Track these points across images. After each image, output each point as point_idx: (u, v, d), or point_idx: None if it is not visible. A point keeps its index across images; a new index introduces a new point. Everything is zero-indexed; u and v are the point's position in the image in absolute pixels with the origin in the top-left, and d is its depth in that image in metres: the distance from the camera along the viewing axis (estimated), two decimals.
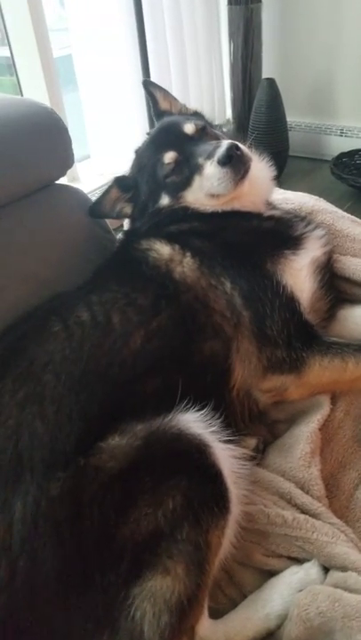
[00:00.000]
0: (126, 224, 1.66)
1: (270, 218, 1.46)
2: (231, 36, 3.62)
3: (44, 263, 1.44)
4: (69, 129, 1.57)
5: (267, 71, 3.75)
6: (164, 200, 1.48)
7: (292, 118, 3.80)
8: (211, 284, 1.28)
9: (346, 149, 3.61)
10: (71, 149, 1.55)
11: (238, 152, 1.36)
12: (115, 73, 3.05)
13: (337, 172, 3.41)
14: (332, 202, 1.74)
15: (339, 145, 3.74)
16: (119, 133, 3.10)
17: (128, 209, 1.57)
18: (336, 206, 1.72)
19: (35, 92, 2.83)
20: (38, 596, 0.92)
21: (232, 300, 1.26)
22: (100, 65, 3.04)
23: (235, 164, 1.35)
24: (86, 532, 0.95)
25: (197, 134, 1.50)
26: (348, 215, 1.68)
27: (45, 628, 0.91)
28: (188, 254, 1.32)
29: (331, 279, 1.46)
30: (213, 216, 1.43)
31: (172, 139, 1.50)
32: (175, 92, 3.28)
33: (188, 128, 1.50)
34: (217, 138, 1.51)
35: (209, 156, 1.39)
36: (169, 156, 1.45)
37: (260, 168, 1.53)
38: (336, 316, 1.48)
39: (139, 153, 1.60)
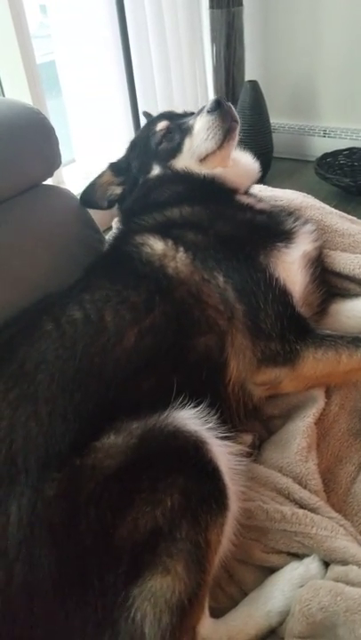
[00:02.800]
0: (114, 226, 1.66)
1: (262, 212, 1.47)
2: (213, 39, 3.63)
3: (31, 264, 1.42)
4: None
5: (249, 73, 3.76)
6: (155, 170, 1.52)
7: (275, 120, 3.82)
8: (204, 279, 1.27)
9: (329, 150, 3.64)
10: (58, 149, 1.54)
11: (227, 103, 1.44)
12: (98, 78, 3.05)
13: (321, 172, 3.43)
14: None
15: (322, 145, 3.77)
16: (104, 136, 3.10)
17: (118, 190, 1.60)
18: (325, 204, 1.73)
19: (18, 98, 2.80)
20: (36, 599, 0.90)
21: (225, 293, 1.26)
22: (84, 70, 3.03)
23: (223, 111, 1.43)
24: (83, 533, 0.93)
25: (187, 113, 1.59)
26: (336, 211, 1.69)
27: (44, 632, 0.89)
28: (182, 249, 1.31)
29: (322, 274, 1.47)
30: (205, 197, 1.45)
31: (166, 115, 1.59)
32: (159, 96, 3.31)
33: (179, 111, 1.61)
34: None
35: (199, 113, 1.48)
36: (161, 124, 1.53)
37: (244, 154, 1.61)
38: (328, 311, 1.48)
39: (133, 139, 1.65)
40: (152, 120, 1.64)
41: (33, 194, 1.52)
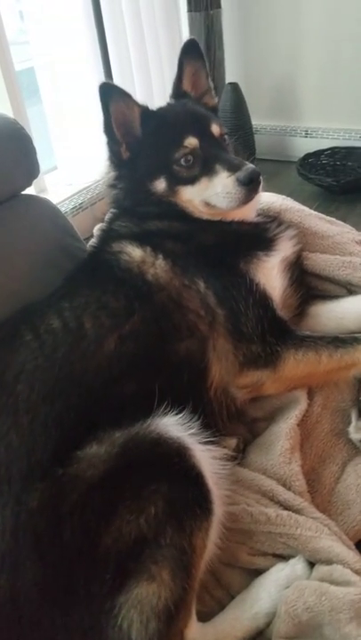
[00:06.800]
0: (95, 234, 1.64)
1: (249, 222, 1.46)
2: None
3: (11, 275, 1.42)
4: (35, 141, 1.55)
5: (230, 76, 3.78)
6: (161, 184, 1.41)
7: (257, 121, 3.85)
8: (184, 284, 1.28)
9: (311, 150, 3.67)
10: (36, 159, 1.53)
11: (259, 180, 1.35)
12: (78, 83, 3.05)
13: (304, 173, 3.46)
14: (300, 202, 1.75)
15: (304, 146, 3.79)
16: (85, 143, 3.09)
17: (125, 155, 1.43)
18: (305, 206, 1.74)
19: None
20: (21, 610, 0.91)
21: (206, 298, 1.27)
22: (63, 76, 3.04)
23: (251, 188, 1.34)
24: (67, 543, 0.93)
25: (220, 138, 1.46)
26: (316, 213, 1.70)
27: None
28: (161, 256, 1.32)
29: (301, 276, 1.48)
30: (196, 220, 1.42)
31: (198, 129, 1.42)
32: (139, 99, 3.29)
33: (215, 129, 1.45)
34: (227, 149, 1.47)
35: (230, 169, 1.34)
36: (189, 141, 1.39)
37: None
38: (309, 313, 1.50)
39: (159, 114, 1.48)
40: (185, 122, 1.44)
41: (12, 204, 1.51)
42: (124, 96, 1.40)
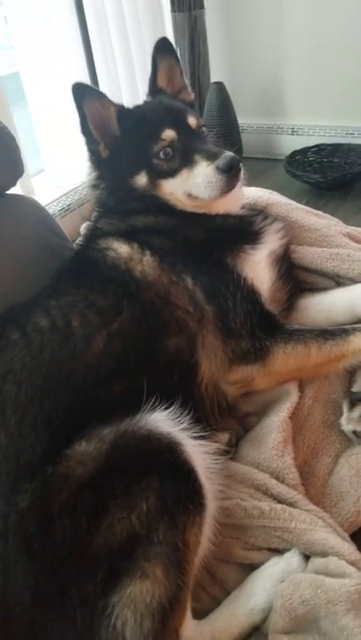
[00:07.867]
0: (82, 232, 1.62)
1: (234, 216, 1.46)
2: (177, 42, 3.65)
3: None
4: (22, 144, 1.54)
5: (215, 75, 3.79)
6: (142, 179, 1.40)
7: (243, 120, 3.85)
8: (172, 281, 1.27)
9: (298, 147, 3.68)
10: (20, 157, 1.51)
11: (239, 167, 1.34)
12: (63, 86, 3.02)
13: (291, 170, 3.46)
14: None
15: (291, 143, 3.80)
16: (72, 145, 3.08)
17: (104, 154, 1.43)
18: (291, 200, 1.73)
19: None
20: (13, 613, 0.89)
21: (194, 295, 1.26)
22: (49, 79, 3.02)
23: (231, 176, 1.33)
24: (58, 544, 0.92)
25: (198, 130, 1.46)
26: (303, 206, 1.70)
27: None
28: (148, 252, 1.31)
29: (289, 269, 1.48)
30: (181, 213, 1.41)
31: (175, 122, 1.42)
32: (125, 100, 3.29)
33: (192, 121, 1.45)
34: (205, 140, 1.47)
35: (209, 158, 1.34)
36: (167, 134, 1.38)
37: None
38: (297, 306, 1.49)
39: (136, 112, 1.47)
40: (161, 116, 1.44)
41: None
42: (98, 95, 1.40)
